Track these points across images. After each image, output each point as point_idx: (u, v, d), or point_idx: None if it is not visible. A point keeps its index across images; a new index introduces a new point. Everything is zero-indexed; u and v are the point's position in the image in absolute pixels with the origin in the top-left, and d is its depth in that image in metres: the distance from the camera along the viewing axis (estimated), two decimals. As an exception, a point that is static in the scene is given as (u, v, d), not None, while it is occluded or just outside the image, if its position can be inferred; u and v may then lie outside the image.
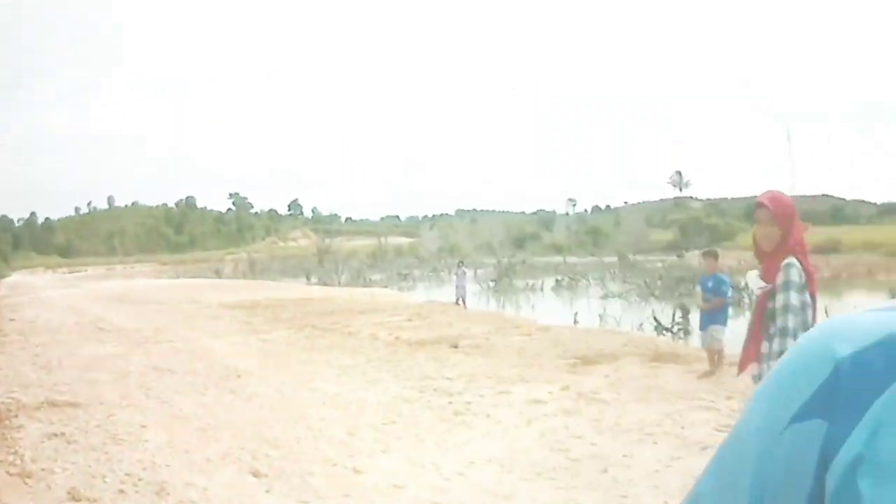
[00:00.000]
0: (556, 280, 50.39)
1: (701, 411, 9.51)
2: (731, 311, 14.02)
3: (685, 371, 12.38)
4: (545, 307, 34.58)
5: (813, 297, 5.20)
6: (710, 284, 13.13)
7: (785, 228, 5.16)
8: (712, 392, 10.53)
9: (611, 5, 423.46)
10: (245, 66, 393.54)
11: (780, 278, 5.06)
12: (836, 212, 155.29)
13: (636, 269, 53.93)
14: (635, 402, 10.69)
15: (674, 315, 24.57)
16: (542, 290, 46.87)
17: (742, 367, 5.37)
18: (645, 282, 41.46)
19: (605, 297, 39.52)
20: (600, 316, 28.46)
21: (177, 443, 8.46)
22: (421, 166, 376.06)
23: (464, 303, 30.49)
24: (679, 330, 23.41)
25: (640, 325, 25.10)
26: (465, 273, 32.76)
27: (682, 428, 9.03)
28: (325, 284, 51.44)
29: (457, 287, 31.80)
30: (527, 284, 47.96)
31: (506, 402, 10.81)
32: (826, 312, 19.88)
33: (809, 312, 5.12)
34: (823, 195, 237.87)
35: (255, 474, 7.39)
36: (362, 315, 24.31)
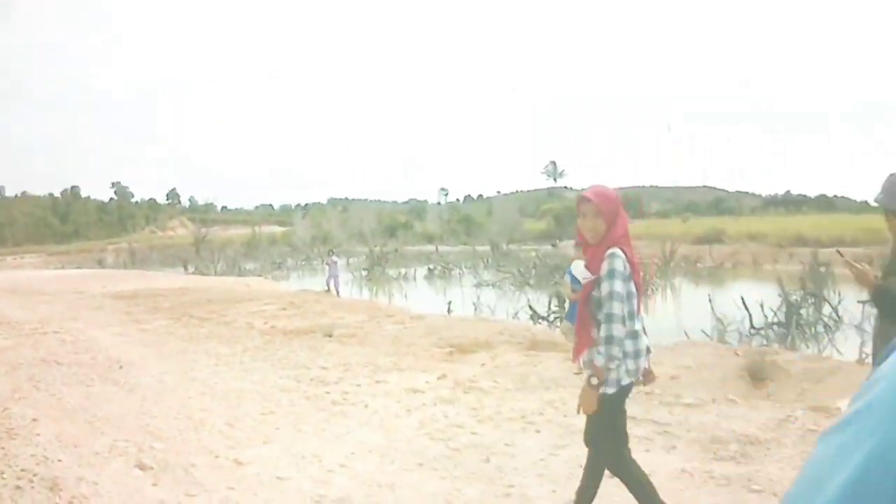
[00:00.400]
0: (429, 269, 50.37)
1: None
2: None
3: (564, 359, 11.93)
4: (418, 296, 34.73)
5: (638, 286, 5.51)
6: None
7: (609, 221, 5.41)
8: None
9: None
10: (140, 56, 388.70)
11: (604, 268, 5.30)
12: (719, 203, 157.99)
13: (510, 258, 54.19)
14: (515, 391, 10.85)
15: (549, 303, 24.72)
16: (414, 279, 46.99)
17: (577, 354, 5.58)
18: (519, 270, 41.59)
19: (478, 285, 39.60)
20: (474, 305, 28.48)
21: (66, 436, 8.40)
22: (295, 155, 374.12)
23: (337, 291, 30.42)
24: (556, 318, 23.35)
25: (516, 313, 25.33)
26: (336, 261, 32.67)
27: (565, 416, 9.12)
28: (202, 274, 51.04)
29: (328, 275, 31.72)
30: (399, 273, 47.94)
31: (383, 391, 10.89)
32: (710, 300, 20.26)
33: (634, 301, 5.42)
34: (705, 186, 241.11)
35: (142, 467, 7.40)
36: (238, 304, 24.23)
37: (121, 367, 12.92)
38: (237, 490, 6.87)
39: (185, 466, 7.48)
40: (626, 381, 5.38)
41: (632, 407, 7.50)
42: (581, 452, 5.89)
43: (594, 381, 5.24)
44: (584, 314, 5.49)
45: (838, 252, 4.97)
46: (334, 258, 32.88)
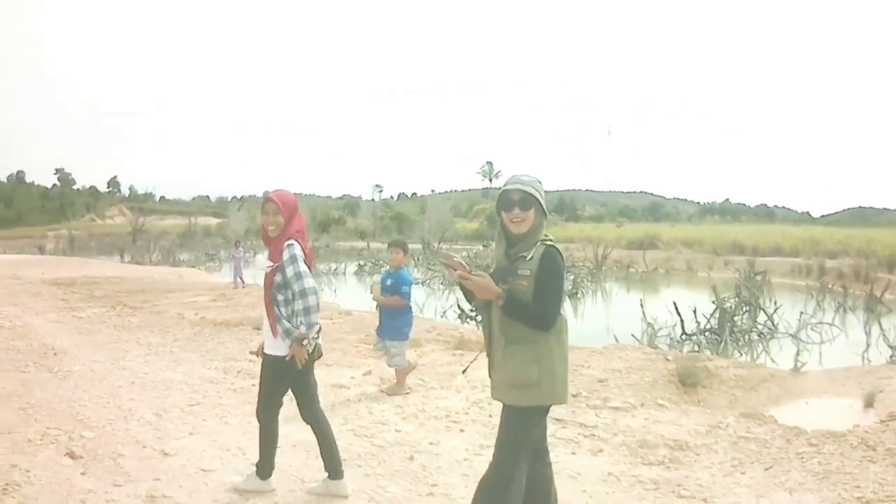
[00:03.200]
0: (359, 265, 49.75)
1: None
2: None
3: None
4: (347, 292, 34.51)
5: (309, 269, 6.37)
6: (388, 282, 10.91)
7: (287, 218, 6.36)
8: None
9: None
10: (87, 45, 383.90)
11: (286, 255, 6.21)
12: (656, 208, 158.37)
13: (440, 257, 53.64)
14: (440, 389, 10.88)
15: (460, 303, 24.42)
16: (344, 274, 46.64)
17: (274, 332, 6.32)
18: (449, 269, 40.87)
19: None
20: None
21: (0, 423, 8.40)
22: (232, 149, 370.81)
23: (242, 282, 29.70)
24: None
25: (444, 312, 25.27)
26: (242, 253, 31.97)
27: (490, 416, 9.14)
28: (137, 263, 50.54)
29: (234, 268, 31.05)
30: (329, 268, 47.51)
31: (308, 385, 10.86)
32: (641, 305, 20.13)
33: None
34: (642, 192, 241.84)
35: (72, 456, 7.40)
36: (170, 294, 24.14)
37: (55, 353, 12.89)
38: (163, 481, 6.87)
39: (114, 456, 7.49)
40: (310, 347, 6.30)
41: (558, 409, 7.62)
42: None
43: (306, 342, 6.19)
44: (267, 297, 6.31)
45: (445, 259, 4.98)
46: (241, 250, 32.24)
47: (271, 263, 6.35)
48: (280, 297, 6.28)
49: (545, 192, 5.04)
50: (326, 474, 6.70)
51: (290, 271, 6.19)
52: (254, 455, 6.95)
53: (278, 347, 6.28)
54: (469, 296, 5.11)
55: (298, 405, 6.64)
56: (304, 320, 6.16)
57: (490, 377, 5.11)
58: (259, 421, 6.66)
